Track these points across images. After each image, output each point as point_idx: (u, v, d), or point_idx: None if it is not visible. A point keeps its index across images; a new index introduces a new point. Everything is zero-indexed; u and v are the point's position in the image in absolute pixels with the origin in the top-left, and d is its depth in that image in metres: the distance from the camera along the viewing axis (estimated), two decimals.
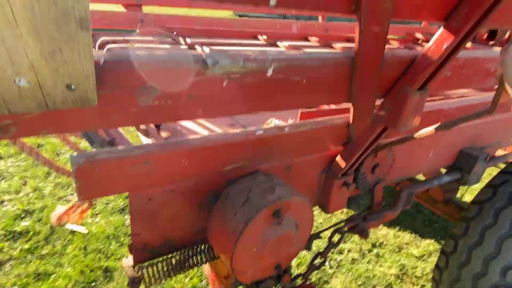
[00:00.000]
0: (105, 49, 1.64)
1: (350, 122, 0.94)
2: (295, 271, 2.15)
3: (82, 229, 2.38)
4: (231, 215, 0.78)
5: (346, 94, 0.81)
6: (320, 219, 2.70)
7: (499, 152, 1.87)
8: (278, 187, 0.82)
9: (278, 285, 1.01)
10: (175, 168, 0.76)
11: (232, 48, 1.85)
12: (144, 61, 0.52)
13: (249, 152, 0.86)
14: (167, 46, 1.76)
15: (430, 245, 2.55)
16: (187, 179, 0.82)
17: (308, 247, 1.15)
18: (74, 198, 2.68)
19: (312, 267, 1.19)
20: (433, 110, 1.14)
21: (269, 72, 0.64)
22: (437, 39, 0.75)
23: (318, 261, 1.22)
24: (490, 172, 3.22)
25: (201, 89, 0.61)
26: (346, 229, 1.20)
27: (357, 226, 1.18)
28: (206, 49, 1.56)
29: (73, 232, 2.35)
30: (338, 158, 1.05)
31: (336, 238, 1.21)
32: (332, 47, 2.14)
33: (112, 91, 0.52)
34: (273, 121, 1.17)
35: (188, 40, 1.84)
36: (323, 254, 1.21)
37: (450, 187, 1.86)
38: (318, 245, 2.32)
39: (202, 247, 0.95)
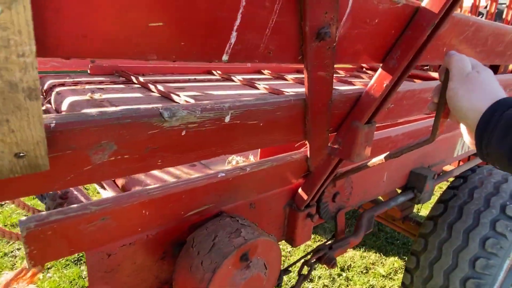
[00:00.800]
0: (54, 92, 1.58)
1: (308, 156, 0.98)
2: None
3: None
4: (197, 264, 0.76)
5: (302, 132, 0.85)
6: (289, 247, 2.69)
7: (446, 168, 2.02)
8: (243, 229, 0.82)
9: None
10: (135, 220, 0.73)
11: (187, 84, 1.86)
12: (97, 120, 0.51)
13: (212, 195, 0.85)
14: (121, 86, 1.73)
15: (394, 262, 2.63)
16: (148, 230, 0.79)
17: (279, 283, 1.13)
18: (22, 253, 2.43)
19: None
20: (381, 137, 1.22)
21: (227, 119, 0.66)
22: (377, 78, 0.82)
23: None
24: (441, 185, 3.45)
25: (159, 141, 0.60)
26: (314, 260, 1.20)
27: (325, 256, 1.19)
28: (161, 88, 1.56)
29: None
30: (300, 190, 1.08)
31: (305, 270, 1.21)
32: (284, 79, 2.24)
33: (65, 153, 0.50)
34: (235, 158, 1.18)
35: (141, 79, 1.82)
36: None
37: (405, 205, 1.97)
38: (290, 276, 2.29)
39: None
